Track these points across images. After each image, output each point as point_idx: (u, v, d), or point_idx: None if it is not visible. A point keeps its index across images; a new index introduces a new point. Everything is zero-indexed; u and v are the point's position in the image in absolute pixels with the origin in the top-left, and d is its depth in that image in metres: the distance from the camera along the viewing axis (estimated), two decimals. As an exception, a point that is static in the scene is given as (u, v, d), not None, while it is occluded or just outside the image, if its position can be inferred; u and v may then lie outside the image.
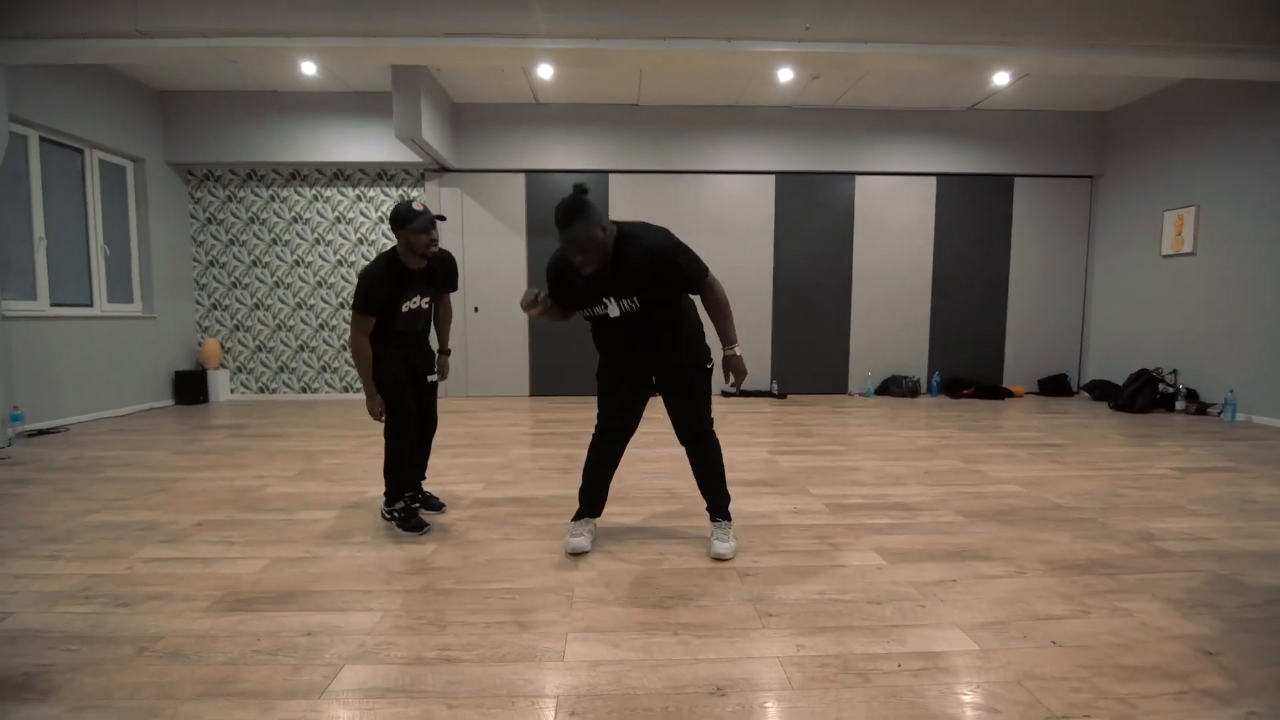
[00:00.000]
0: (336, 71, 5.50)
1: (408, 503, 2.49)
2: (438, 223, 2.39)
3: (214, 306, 6.43)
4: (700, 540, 2.41)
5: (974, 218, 6.68)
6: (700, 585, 2.03)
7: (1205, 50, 4.06)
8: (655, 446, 3.93)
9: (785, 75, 5.24)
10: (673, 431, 2.32)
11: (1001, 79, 5.41)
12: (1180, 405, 5.52)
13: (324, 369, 6.51)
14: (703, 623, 1.78)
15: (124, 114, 5.55)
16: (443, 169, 6.29)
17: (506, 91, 5.95)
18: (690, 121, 6.36)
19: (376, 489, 3.01)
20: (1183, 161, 5.68)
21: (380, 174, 6.33)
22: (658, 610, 1.86)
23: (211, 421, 5.17)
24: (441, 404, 2.75)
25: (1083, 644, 1.67)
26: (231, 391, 6.49)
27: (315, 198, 6.34)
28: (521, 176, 6.38)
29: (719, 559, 2.23)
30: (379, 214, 6.36)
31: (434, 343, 2.75)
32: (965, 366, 6.79)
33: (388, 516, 2.46)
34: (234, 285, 6.41)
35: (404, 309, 2.43)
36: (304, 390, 6.53)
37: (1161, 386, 5.67)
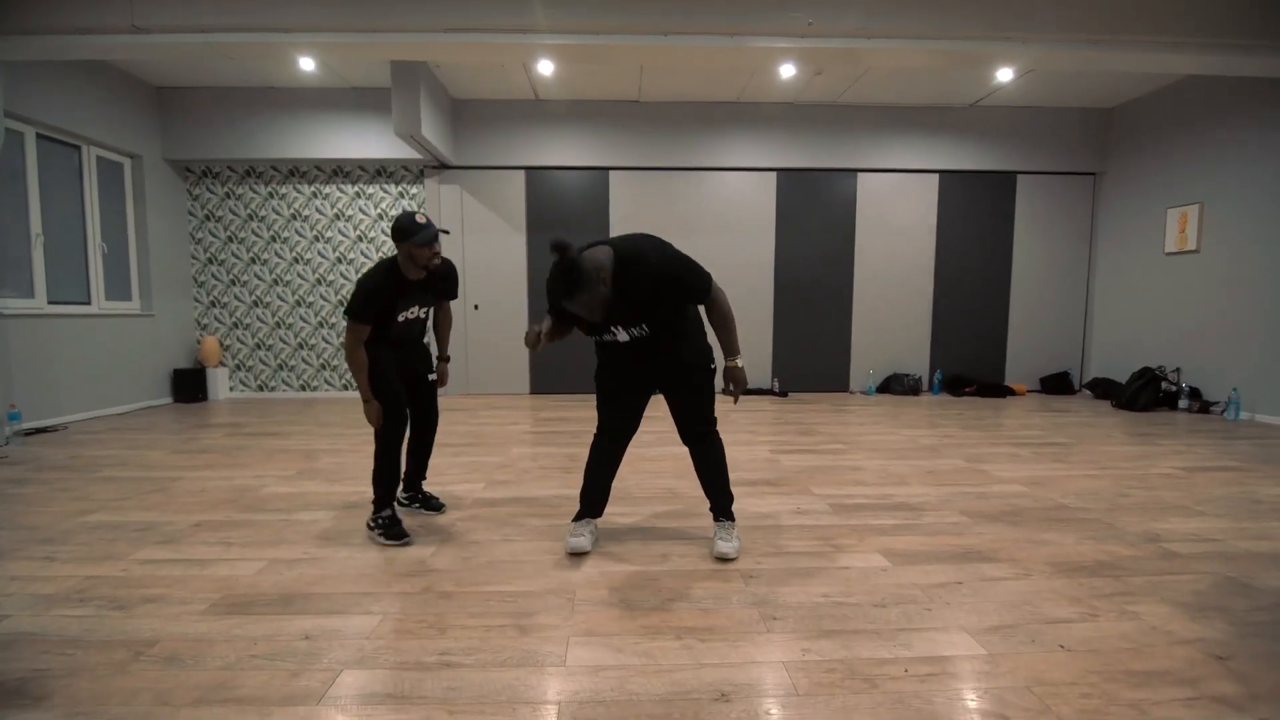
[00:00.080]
0: (335, 67, 5.46)
1: (394, 511, 2.45)
2: (440, 235, 2.34)
3: (213, 304, 6.40)
4: (702, 541, 2.39)
5: (976, 215, 6.65)
6: (703, 587, 2.01)
7: (1209, 46, 4.03)
8: (656, 445, 3.90)
9: (787, 71, 5.20)
10: (674, 430, 2.30)
11: (1005, 75, 5.37)
12: (1183, 404, 5.50)
13: (323, 367, 6.48)
14: (706, 626, 1.76)
15: (121, 110, 5.51)
16: (442, 166, 6.25)
17: (506, 88, 5.91)
18: (691, 118, 6.32)
19: (376, 489, 2.99)
20: (1186, 158, 5.65)
21: (379, 171, 6.30)
22: (660, 613, 1.84)
23: (210, 420, 5.14)
24: (442, 403, 2.72)
25: (1091, 648, 1.65)
26: (230, 390, 6.47)
27: (314, 195, 6.31)
28: (521, 173, 6.34)
29: (722, 559, 2.21)
30: (378, 211, 6.33)
31: (433, 348, 2.71)
32: (967, 364, 6.76)
33: (372, 526, 2.41)
34: (233, 283, 6.38)
35: (400, 318, 2.40)
36: (303, 388, 6.51)
37: (1164, 385, 5.65)
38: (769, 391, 6.58)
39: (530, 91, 6.01)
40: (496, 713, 1.39)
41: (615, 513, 2.67)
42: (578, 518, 2.37)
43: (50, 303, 4.94)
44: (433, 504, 2.74)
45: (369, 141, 6.01)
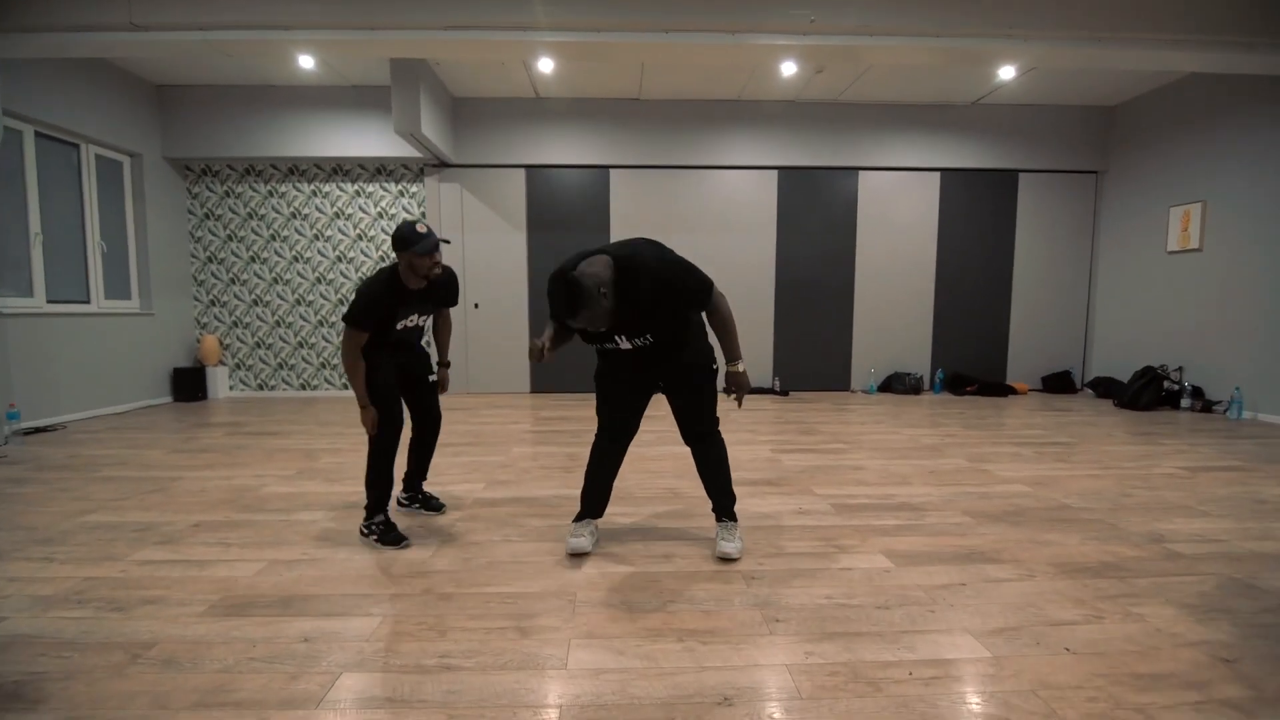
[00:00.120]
0: (335, 65, 5.44)
1: (387, 515, 2.43)
2: (441, 245, 2.31)
3: (212, 303, 6.39)
4: (704, 541, 2.37)
5: (978, 213, 6.62)
6: (705, 589, 1.99)
7: (1212, 44, 4.01)
8: (657, 445, 3.89)
9: (788, 69, 5.18)
10: (675, 429, 2.28)
11: (1007, 73, 5.35)
12: (1185, 403, 5.48)
13: (323, 365, 6.47)
14: (709, 628, 1.75)
15: (120, 108, 5.50)
16: (442, 164, 6.23)
17: (507, 86, 5.89)
18: (692, 116, 6.30)
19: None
20: (1189, 157, 5.63)
21: (379, 169, 6.28)
22: (662, 615, 1.82)
23: (210, 419, 5.13)
24: (441, 401, 2.71)
25: (1097, 651, 1.64)
26: (230, 389, 6.46)
27: (314, 193, 6.29)
28: (522, 172, 6.32)
29: (725, 559, 2.20)
30: (378, 209, 6.31)
31: (432, 352, 2.69)
32: (968, 363, 6.75)
33: (366, 532, 2.39)
34: (232, 281, 6.36)
35: (399, 326, 2.38)
36: (303, 387, 6.50)
37: (1167, 384, 5.63)
38: (770, 390, 6.57)
39: (530, 89, 5.99)
40: (497, 717, 1.38)
41: (616, 513, 2.66)
42: (578, 518, 2.36)
43: (49, 302, 4.93)
44: (433, 504, 2.73)
45: (369, 140, 5.99)
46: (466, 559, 2.24)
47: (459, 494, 2.99)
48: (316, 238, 6.32)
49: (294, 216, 6.30)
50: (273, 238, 6.31)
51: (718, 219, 6.44)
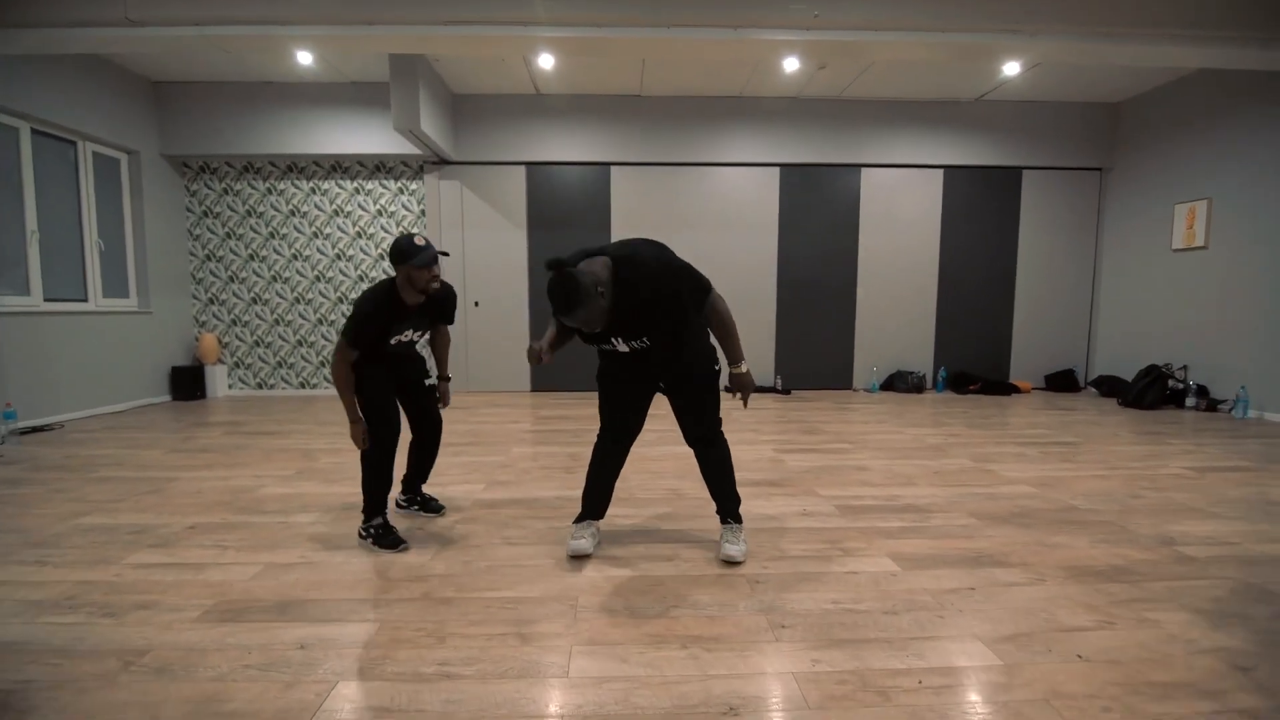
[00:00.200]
0: (333, 61, 5.40)
1: (386, 517, 2.39)
2: (440, 258, 2.27)
3: (211, 301, 6.35)
4: (707, 544, 2.34)
5: (981, 211, 6.58)
6: (709, 593, 1.96)
7: (1218, 40, 3.97)
8: (659, 445, 3.86)
9: (791, 65, 5.13)
10: (677, 429, 2.25)
11: (1011, 69, 5.29)
12: (1190, 402, 5.44)
13: (323, 364, 6.43)
14: (713, 635, 1.71)
15: (118, 105, 5.45)
16: (442, 161, 6.19)
17: (507, 82, 5.84)
18: (693, 113, 6.25)
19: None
20: (1194, 154, 5.58)
21: (379, 166, 6.23)
22: (665, 620, 1.79)
23: (208, 418, 5.09)
24: (441, 409, 2.67)
25: (1110, 658, 1.60)
26: (229, 387, 6.42)
27: (313, 190, 6.25)
28: (522, 169, 6.28)
29: (729, 561, 2.16)
30: (377, 207, 6.27)
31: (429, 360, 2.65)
32: (971, 362, 6.70)
33: (364, 534, 2.36)
34: (231, 279, 6.33)
35: (393, 341, 2.33)
36: (302, 386, 6.46)
37: (1171, 382, 5.59)
38: (772, 389, 6.53)
39: (531, 86, 5.94)
40: (497, 727, 1.34)
41: (618, 514, 2.62)
42: (579, 519, 2.32)
43: (46, 300, 4.89)
44: (432, 506, 2.69)
45: (368, 137, 5.95)
46: (466, 562, 2.20)
47: (459, 495, 2.96)
48: (315, 235, 6.28)
49: (293, 214, 6.26)
50: (271, 235, 6.27)
51: (719, 216, 6.40)
